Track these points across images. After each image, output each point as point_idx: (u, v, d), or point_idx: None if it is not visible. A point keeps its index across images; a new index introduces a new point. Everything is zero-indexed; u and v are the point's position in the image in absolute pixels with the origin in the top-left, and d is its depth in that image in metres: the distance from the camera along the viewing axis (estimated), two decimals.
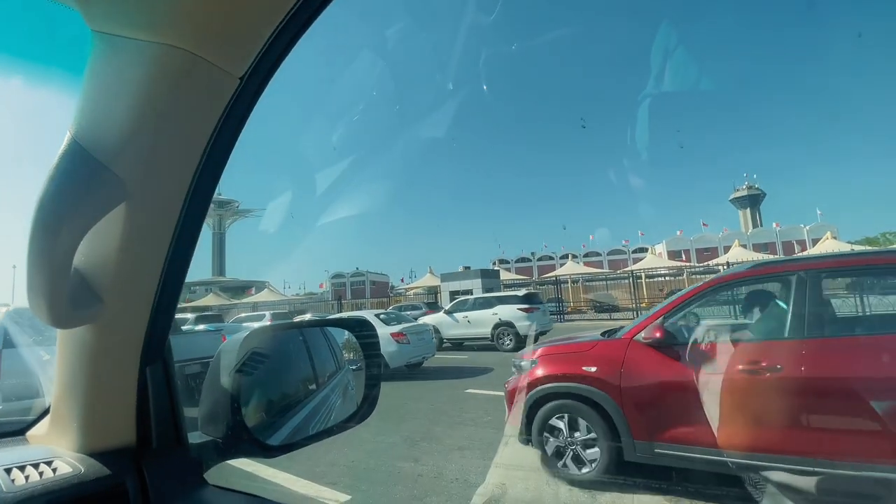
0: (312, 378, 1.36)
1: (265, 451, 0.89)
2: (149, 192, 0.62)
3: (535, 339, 10.75)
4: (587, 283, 28.86)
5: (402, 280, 52.88)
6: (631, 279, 23.57)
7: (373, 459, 4.37)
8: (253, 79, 0.61)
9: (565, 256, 53.73)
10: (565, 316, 23.65)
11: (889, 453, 2.61)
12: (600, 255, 60.99)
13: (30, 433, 0.87)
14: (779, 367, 2.95)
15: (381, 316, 10.38)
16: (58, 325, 0.67)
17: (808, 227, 51.26)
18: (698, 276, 24.02)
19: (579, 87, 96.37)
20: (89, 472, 0.71)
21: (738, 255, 29.71)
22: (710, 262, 31.32)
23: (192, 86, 0.56)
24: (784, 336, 3.09)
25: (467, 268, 28.51)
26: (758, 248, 45.18)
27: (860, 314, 3.62)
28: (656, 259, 37.27)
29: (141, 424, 0.79)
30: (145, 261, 0.69)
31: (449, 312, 14.68)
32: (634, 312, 19.94)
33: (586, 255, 60.23)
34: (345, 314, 17.05)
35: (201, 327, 11.50)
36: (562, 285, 26.70)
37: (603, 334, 4.04)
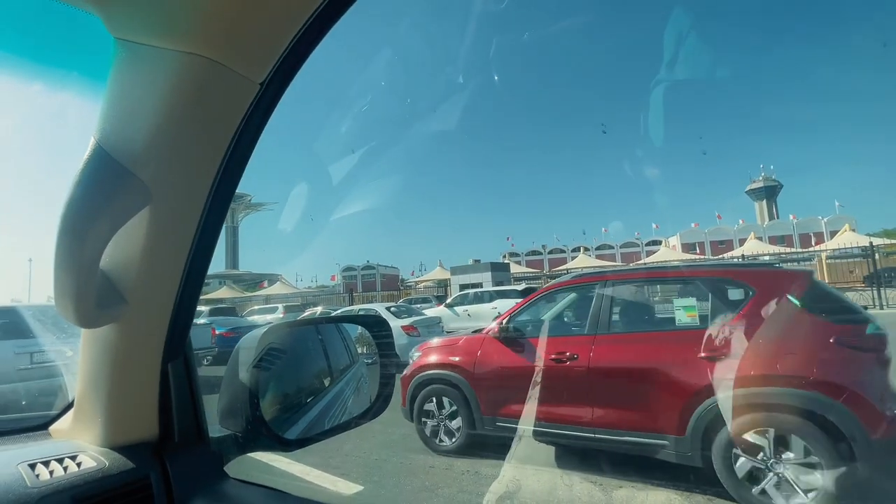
0: (327, 372, 1.37)
1: (283, 446, 0.91)
2: (171, 196, 0.63)
3: None
4: None
5: (412, 273, 52.86)
6: None
7: (385, 450, 4.42)
8: (273, 84, 0.61)
9: (577, 249, 53.31)
10: None
11: (648, 423, 3.31)
12: (613, 247, 60.21)
13: (52, 427, 0.89)
14: (575, 356, 3.68)
15: (392, 309, 10.46)
16: (84, 324, 0.68)
17: (825, 220, 49.74)
18: None
19: (591, 77, 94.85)
20: (113, 465, 0.73)
21: (755, 247, 29.16)
22: (726, 255, 30.75)
23: (213, 92, 0.57)
24: (584, 332, 3.84)
25: (477, 261, 28.51)
26: (774, 240, 44.06)
27: (640, 317, 4.19)
28: (670, 252, 36.88)
29: (163, 419, 0.81)
30: (168, 262, 0.70)
31: (450, 306, 14.84)
32: None
33: (599, 248, 59.46)
34: (356, 307, 17.19)
35: (201, 321, 12.00)
36: None
37: (474, 332, 4.82)
